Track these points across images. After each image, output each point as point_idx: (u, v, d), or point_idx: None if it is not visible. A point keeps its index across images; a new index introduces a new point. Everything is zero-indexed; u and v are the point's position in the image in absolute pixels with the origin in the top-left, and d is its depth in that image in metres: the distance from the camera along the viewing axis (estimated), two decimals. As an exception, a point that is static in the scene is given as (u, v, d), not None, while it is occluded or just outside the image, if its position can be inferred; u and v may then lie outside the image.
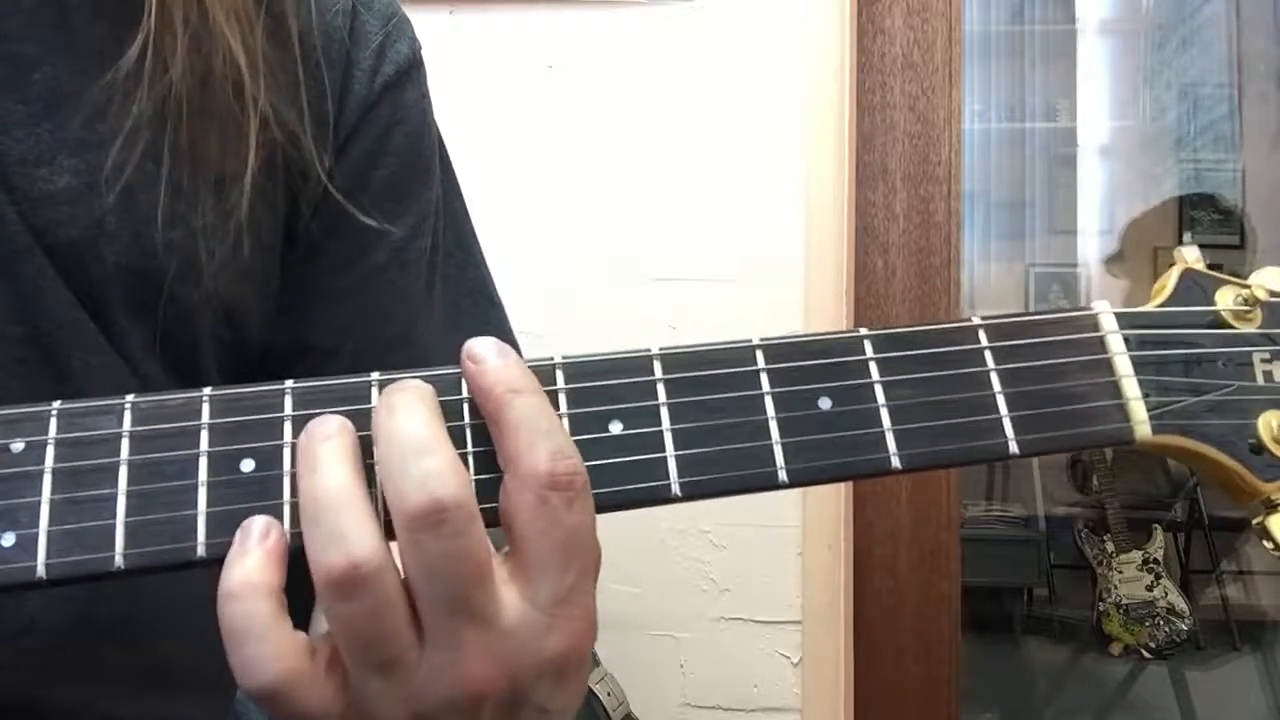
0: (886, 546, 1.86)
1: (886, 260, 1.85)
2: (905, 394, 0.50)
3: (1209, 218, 4.11)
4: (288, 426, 0.48)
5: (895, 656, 1.87)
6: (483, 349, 0.48)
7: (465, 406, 0.48)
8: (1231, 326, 0.52)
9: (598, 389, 0.49)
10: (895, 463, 0.49)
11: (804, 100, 1.72)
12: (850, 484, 1.82)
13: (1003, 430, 0.50)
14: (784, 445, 0.49)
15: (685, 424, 0.49)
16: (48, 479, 0.47)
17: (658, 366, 0.49)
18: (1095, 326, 0.52)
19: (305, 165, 0.67)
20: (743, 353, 0.50)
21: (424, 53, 0.75)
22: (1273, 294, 0.52)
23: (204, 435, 0.48)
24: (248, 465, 0.47)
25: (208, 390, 0.48)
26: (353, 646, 0.45)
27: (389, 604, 0.44)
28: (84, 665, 0.62)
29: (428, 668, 0.45)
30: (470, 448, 0.48)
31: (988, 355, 0.51)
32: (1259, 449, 0.51)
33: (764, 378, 0.50)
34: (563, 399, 0.49)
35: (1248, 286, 0.52)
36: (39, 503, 0.46)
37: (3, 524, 0.46)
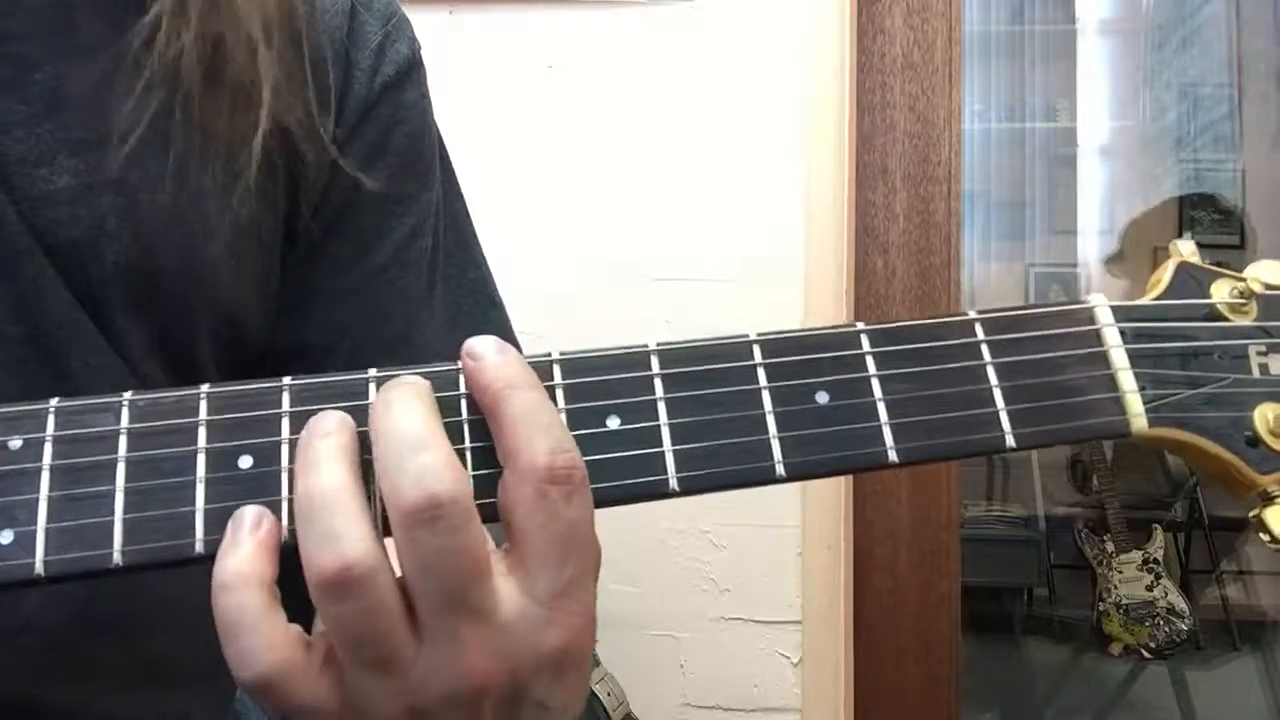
0: (886, 546, 1.86)
1: (886, 260, 1.86)
2: (902, 388, 0.50)
3: (1209, 218, 4.11)
4: (285, 423, 0.48)
5: (895, 656, 1.87)
6: (482, 346, 0.48)
7: (463, 402, 0.48)
8: (1227, 319, 0.52)
9: (595, 385, 0.49)
10: (892, 456, 0.49)
11: (804, 100, 1.72)
12: (850, 484, 1.82)
13: (999, 423, 0.50)
14: (781, 439, 0.49)
15: (683, 419, 0.49)
16: (45, 476, 0.47)
17: (655, 362, 0.50)
18: (1091, 320, 0.52)
19: (304, 164, 0.67)
20: (740, 348, 0.50)
21: (424, 53, 0.75)
22: (1268, 287, 0.53)
23: (202, 432, 0.48)
24: (245, 462, 0.47)
25: (205, 387, 0.48)
26: (346, 644, 0.45)
27: (382, 604, 0.44)
28: (81, 664, 0.63)
29: (425, 663, 0.45)
30: (468, 443, 0.48)
31: (984, 349, 0.51)
32: (1255, 441, 0.51)
33: (761, 372, 0.50)
34: (560, 395, 0.49)
35: (1243, 279, 0.53)
36: (37, 500, 0.46)
37: (0, 521, 0.46)
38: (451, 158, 0.79)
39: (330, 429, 0.46)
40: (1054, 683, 3.59)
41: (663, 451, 0.48)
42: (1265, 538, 0.50)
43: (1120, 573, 3.21)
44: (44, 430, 0.47)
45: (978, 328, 0.51)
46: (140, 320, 0.63)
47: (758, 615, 1.75)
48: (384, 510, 0.45)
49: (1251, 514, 0.51)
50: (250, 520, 0.46)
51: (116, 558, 0.46)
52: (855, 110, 1.83)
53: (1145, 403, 0.51)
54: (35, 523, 0.46)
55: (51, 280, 0.59)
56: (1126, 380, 0.51)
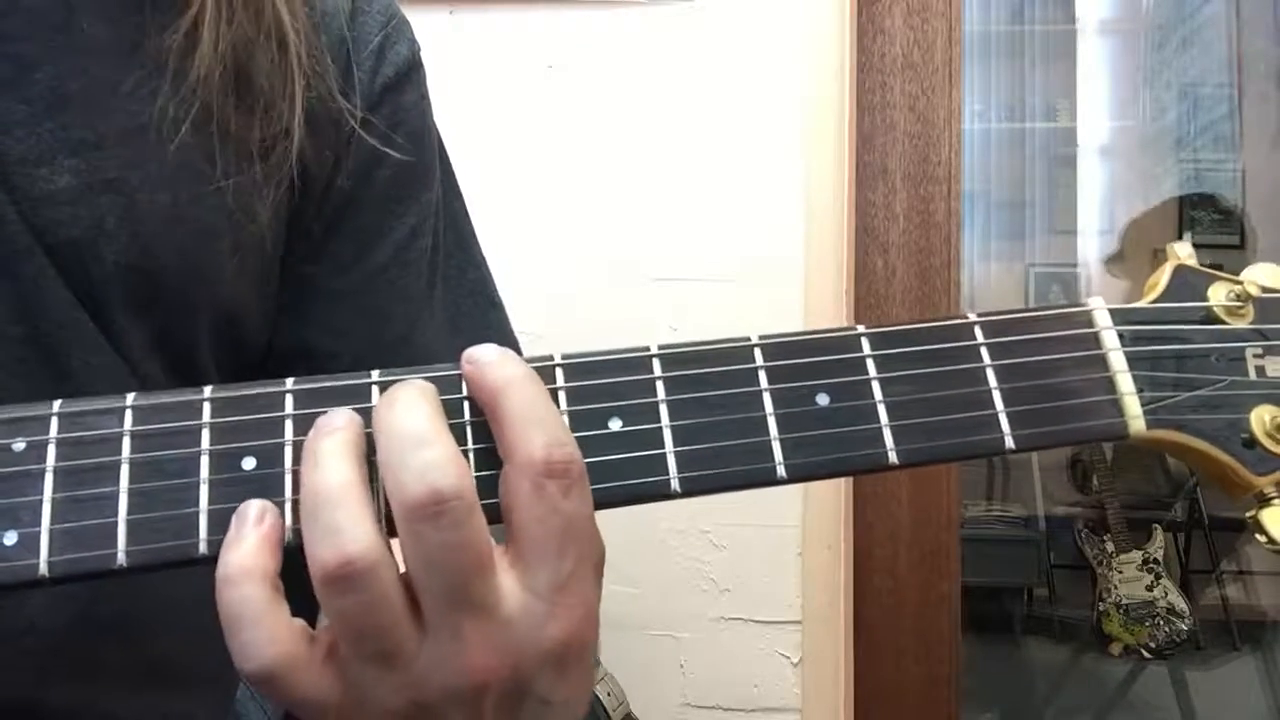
0: (886, 546, 1.87)
1: (886, 260, 1.86)
2: (902, 390, 0.50)
3: (1209, 218, 4.11)
4: (289, 425, 0.48)
5: (895, 656, 1.87)
6: (481, 351, 0.49)
7: (465, 405, 0.48)
8: (1224, 322, 0.53)
9: (597, 386, 0.49)
10: (893, 458, 0.49)
11: (804, 100, 1.72)
12: (850, 484, 1.82)
13: (999, 425, 0.50)
14: (782, 441, 0.49)
15: (684, 420, 0.49)
16: (49, 478, 0.47)
17: (657, 364, 0.50)
18: (1090, 322, 0.52)
19: (305, 164, 0.67)
20: (741, 350, 0.50)
21: (424, 53, 0.75)
22: (1265, 289, 0.53)
23: (205, 434, 0.48)
24: (249, 463, 0.48)
25: (208, 389, 0.49)
26: (349, 638, 0.45)
27: (384, 599, 0.45)
28: (84, 665, 0.63)
29: (428, 658, 0.45)
30: (471, 444, 0.48)
31: (983, 351, 0.51)
32: (1251, 443, 0.51)
33: (762, 375, 0.50)
34: (563, 397, 0.49)
35: (1240, 282, 0.53)
36: (41, 501, 0.46)
37: (5, 523, 0.46)
38: (451, 158, 0.79)
39: (338, 426, 0.47)
40: (1054, 683, 3.59)
41: (664, 453, 0.49)
42: (1262, 539, 0.50)
43: (1120, 573, 3.21)
44: (47, 432, 0.47)
45: (977, 330, 0.52)
46: (140, 320, 0.63)
47: (758, 615, 1.75)
48: (388, 508, 0.45)
49: (1248, 515, 0.51)
50: (254, 515, 0.46)
51: (121, 558, 0.46)
52: (855, 110, 1.83)
53: (1143, 405, 0.51)
54: (39, 524, 0.46)
55: (52, 280, 0.59)
56: (1125, 382, 0.51)
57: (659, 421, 0.49)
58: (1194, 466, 0.52)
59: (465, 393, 0.48)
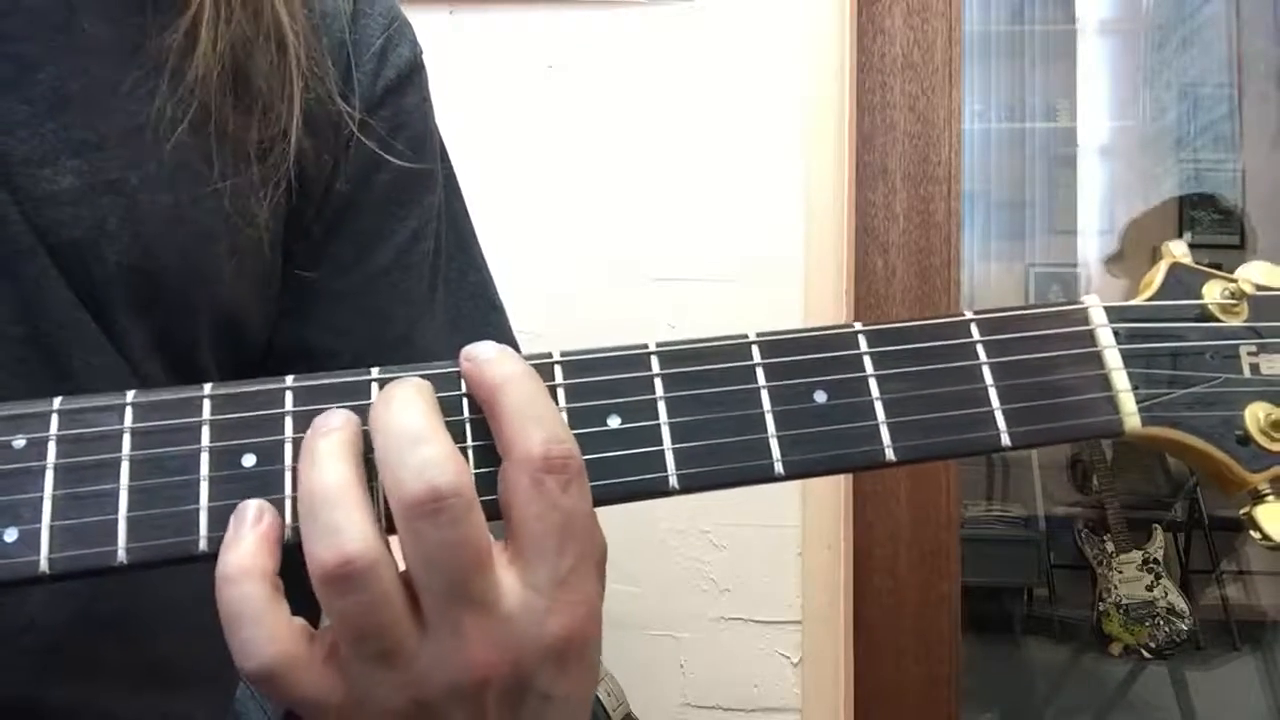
0: (886, 546, 1.87)
1: (886, 260, 1.86)
2: (899, 387, 0.50)
3: (1209, 218, 4.11)
4: (288, 422, 0.48)
5: (895, 656, 1.87)
6: (479, 348, 0.49)
7: (464, 402, 0.49)
8: (1219, 320, 0.53)
9: (596, 384, 0.50)
10: (889, 455, 0.50)
11: (804, 100, 1.73)
12: (850, 484, 1.82)
13: (995, 422, 0.50)
14: (780, 438, 0.49)
15: (682, 418, 0.49)
16: (50, 475, 0.47)
17: (655, 361, 0.50)
18: (1085, 320, 0.53)
19: (306, 165, 0.68)
20: (739, 347, 0.51)
21: (424, 53, 0.76)
22: (1259, 288, 0.53)
23: (205, 431, 0.48)
24: (249, 460, 0.48)
25: (208, 386, 0.49)
26: (350, 637, 0.45)
27: (384, 598, 0.45)
28: (84, 664, 0.63)
29: (429, 656, 0.45)
30: (470, 441, 0.48)
31: (980, 349, 0.51)
32: (1246, 440, 0.51)
33: (760, 372, 0.50)
34: (561, 394, 0.49)
35: (1234, 281, 0.53)
36: (41, 498, 0.46)
37: (5, 520, 0.46)
38: (452, 158, 0.79)
39: (334, 426, 0.47)
40: (1054, 683, 3.59)
41: (663, 450, 0.49)
42: (1256, 535, 0.50)
43: (1120, 573, 3.21)
44: (48, 429, 0.47)
45: (973, 328, 0.52)
46: (142, 321, 0.63)
47: (758, 615, 1.75)
48: (387, 506, 0.46)
49: (1241, 511, 0.51)
50: (252, 515, 0.46)
51: (121, 555, 0.46)
52: (855, 110, 1.83)
53: (1138, 402, 0.51)
54: (40, 521, 0.46)
55: (54, 280, 0.59)
56: (1120, 380, 0.51)
57: (657, 419, 0.49)
58: (1189, 464, 0.53)
59: (464, 389, 0.49)
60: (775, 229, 1.72)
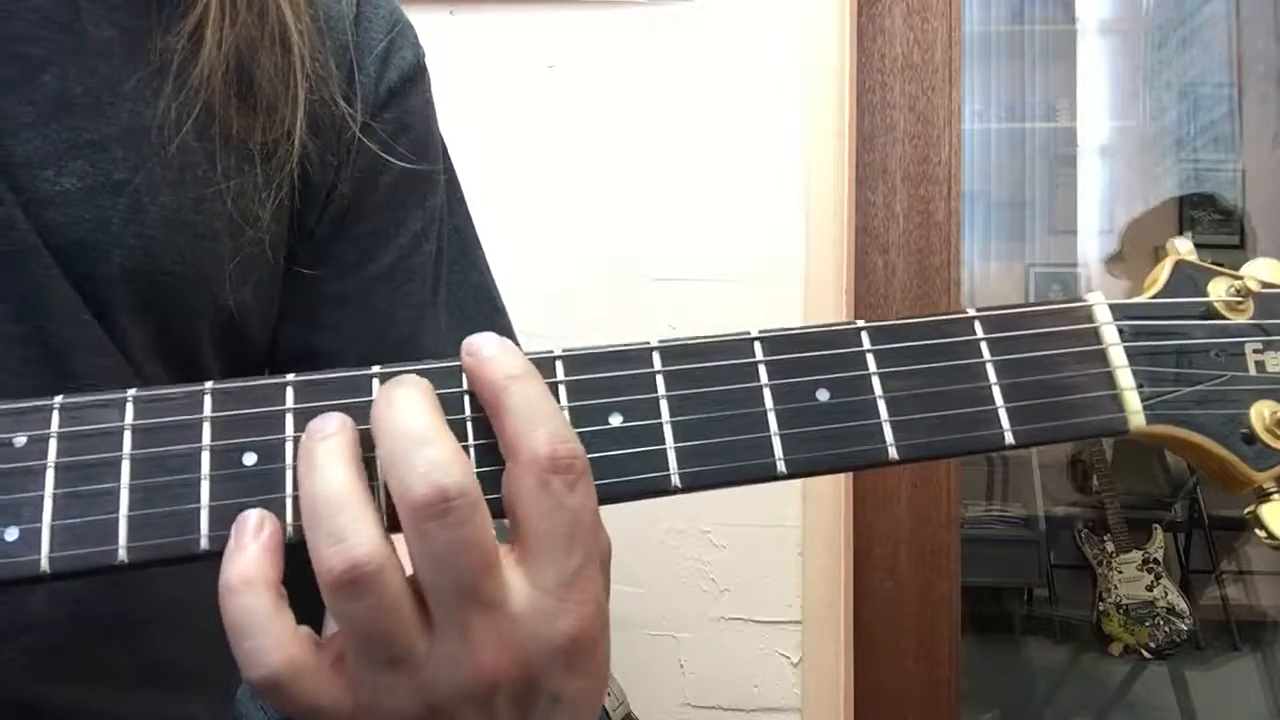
0: (886, 546, 1.86)
1: (886, 260, 1.86)
2: (902, 385, 0.50)
3: (1209, 218, 4.11)
4: (289, 420, 0.48)
5: (895, 656, 1.87)
6: (481, 342, 0.49)
7: (466, 400, 0.48)
8: (1224, 317, 0.53)
9: (598, 381, 0.49)
10: (893, 453, 0.49)
11: (804, 100, 1.72)
12: (850, 484, 1.82)
13: (999, 421, 0.50)
14: (782, 436, 0.49)
15: (685, 416, 0.49)
16: (50, 473, 0.47)
17: (657, 359, 0.50)
18: (1090, 318, 0.52)
19: (309, 167, 0.67)
20: (741, 345, 0.50)
21: (425, 55, 0.76)
22: (1264, 285, 0.53)
23: (206, 429, 0.48)
24: (250, 459, 0.48)
25: (209, 384, 0.49)
26: (359, 643, 0.45)
27: (393, 601, 0.45)
28: (84, 664, 0.63)
29: (438, 659, 0.45)
30: (472, 440, 0.48)
31: (983, 347, 0.51)
32: (1251, 438, 0.51)
33: (762, 370, 0.50)
34: (563, 391, 0.49)
35: (1239, 278, 0.53)
36: (42, 497, 0.46)
37: (6, 518, 0.46)
38: (453, 159, 0.79)
39: (330, 430, 0.47)
40: (1054, 683, 3.59)
41: (665, 449, 0.49)
42: (1261, 534, 0.50)
43: (1120, 573, 3.21)
44: (49, 427, 0.47)
45: (977, 325, 0.52)
46: (144, 321, 0.63)
47: (758, 615, 1.75)
48: (391, 508, 0.45)
49: (1246, 510, 0.51)
50: (253, 525, 0.46)
51: (121, 554, 0.46)
52: (855, 110, 1.83)
53: (1143, 400, 0.51)
54: (40, 519, 0.46)
55: (57, 281, 0.59)
56: (1124, 378, 0.51)
57: (659, 417, 0.49)
58: (1194, 462, 0.53)
59: (466, 387, 0.48)
60: (775, 229, 1.72)
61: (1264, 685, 3.56)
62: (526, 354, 0.49)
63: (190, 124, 0.63)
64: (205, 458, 0.47)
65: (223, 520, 0.46)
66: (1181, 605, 3.15)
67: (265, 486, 0.47)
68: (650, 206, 1.74)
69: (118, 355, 0.62)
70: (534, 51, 1.76)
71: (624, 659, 1.70)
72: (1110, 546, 3.24)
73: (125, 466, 0.47)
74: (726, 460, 0.49)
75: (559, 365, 0.50)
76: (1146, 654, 3.14)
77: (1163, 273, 0.54)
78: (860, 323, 0.51)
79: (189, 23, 0.62)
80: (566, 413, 0.49)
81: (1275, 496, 0.51)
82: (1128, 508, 3.34)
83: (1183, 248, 0.54)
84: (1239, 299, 0.53)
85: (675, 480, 0.48)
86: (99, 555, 0.46)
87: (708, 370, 0.50)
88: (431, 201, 0.75)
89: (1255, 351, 0.52)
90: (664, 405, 0.49)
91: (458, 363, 0.49)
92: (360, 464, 0.46)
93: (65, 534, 0.46)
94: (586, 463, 0.46)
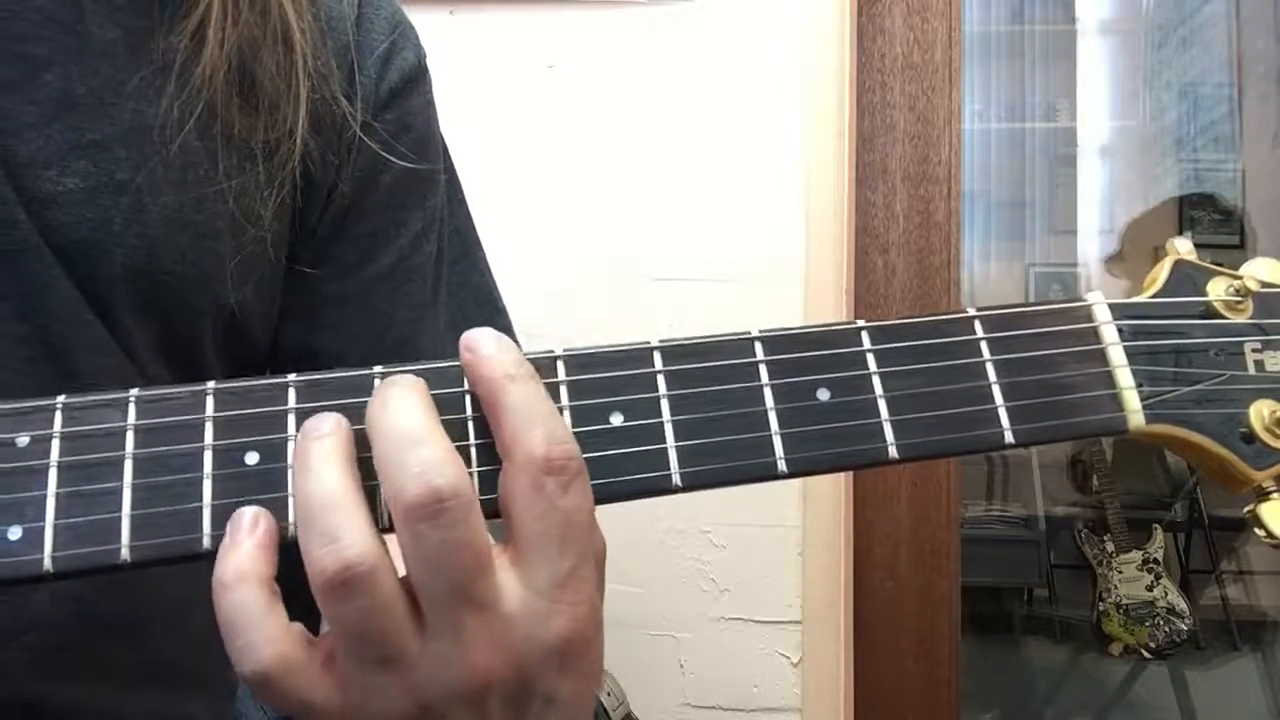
0: (886, 546, 1.86)
1: (886, 260, 1.86)
2: (902, 385, 0.50)
3: (1209, 218, 4.11)
4: (291, 419, 0.48)
5: (895, 656, 1.87)
6: (479, 338, 0.49)
7: (466, 400, 0.49)
8: (1223, 317, 0.53)
9: (599, 381, 0.50)
10: (893, 453, 0.50)
11: (804, 100, 1.73)
12: (850, 484, 1.82)
13: (998, 420, 0.50)
14: (783, 436, 0.49)
15: (685, 415, 0.49)
16: (53, 473, 0.47)
17: (658, 359, 0.50)
18: (1089, 317, 0.53)
19: (311, 168, 0.68)
20: (742, 345, 0.51)
21: (426, 56, 0.76)
22: (1264, 284, 0.53)
23: (208, 428, 0.48)
24: (252, 458, 0.48)
25: (211, 384, 0.49)
26: (351, 643, 0.45)
27: (385, 602, 0.45)
28: (86, 663, 0.63)
29: (430, 659, 0.45)
30: (472, 439, 0.48)
31: (983, 346, 0.51)
32: (1250, 438, 0.51)
33: (763, 369, 0.50)
34: (564, 391, 0.49)
35: (1239, 277, 0.53)
36: (45, 496, 0.47)
37: (9, 518, 0.46)
38: (453, 159, 0.79)
39: (325, 431, 0.47)
40: (1054, 683, 3.59)
41: (666, 448, 0.49)
42: (1261, 533, 0.50)
43: (1120, 573, 3.21)
44: (51, 427, 0.47)
45: (977, 325, 0.52)
46: (146, 321, 0.63)
47: (758, 615, 1.75)
48: (387, 508, 0.45)
49: (1246, 510, 0.51)
50: (247, 522, 0.46)
51: (124, 553, 0.46)
52: (855, 110, 1.83)
53: (1142, 399, 0.51)
54: (43, 519, 0.46)
55: (59, 280, 0.59)
56: (1124, 377, 0.51)
57: (660, 416, 0.49)
58: (1193, 461, 0.53)
59: (466, 386, 0.49)
60: (775, 229, 1.72)
61: (1264, 685, 3.56)
62: (527, 354, 0.49)
63: (192, 123, 0.63)
64: (208, 457, 0.48)
65: (225, 520, 0.47)
66: (1181, 605, 3.15)
67: (267, 486, 0.47)
68: (650, 206, 1.74)
69: (120, 355, 0.62)
70: (534, 51, 1.76)
71: (624, 659, 1.70)
72: (1110, 546, 3.24)
73: (128, 466, 0.47)
74: (727, 459, 0.49)
75: (559, 365, 0.50)
76: (1146, 654, 3.14)
77: (1162, 272, 0.54)
78: (860, 322, 0.51)
79: (191, 22, 0.62)
80: (567, 412, 0.49)
81: (1275, 495, 0.51)
82: (1128, 508, 3.34)
83: (1182, 247, 0.54)
84: (1238, 299, 0.53)
85: (676, 480, 0.49)
86: (101, 554, 0.46)
87: (708, 370, 0.50)
88: (432, 202, 0.75)
89: (1254, 351, 0.52)
90: (664, 405, 0.49)
91: (458, 364, 0.49)
92: (354, 465, 0.46)
93: (68, 533, 0.46)
94: (582, 464, 0.46)
